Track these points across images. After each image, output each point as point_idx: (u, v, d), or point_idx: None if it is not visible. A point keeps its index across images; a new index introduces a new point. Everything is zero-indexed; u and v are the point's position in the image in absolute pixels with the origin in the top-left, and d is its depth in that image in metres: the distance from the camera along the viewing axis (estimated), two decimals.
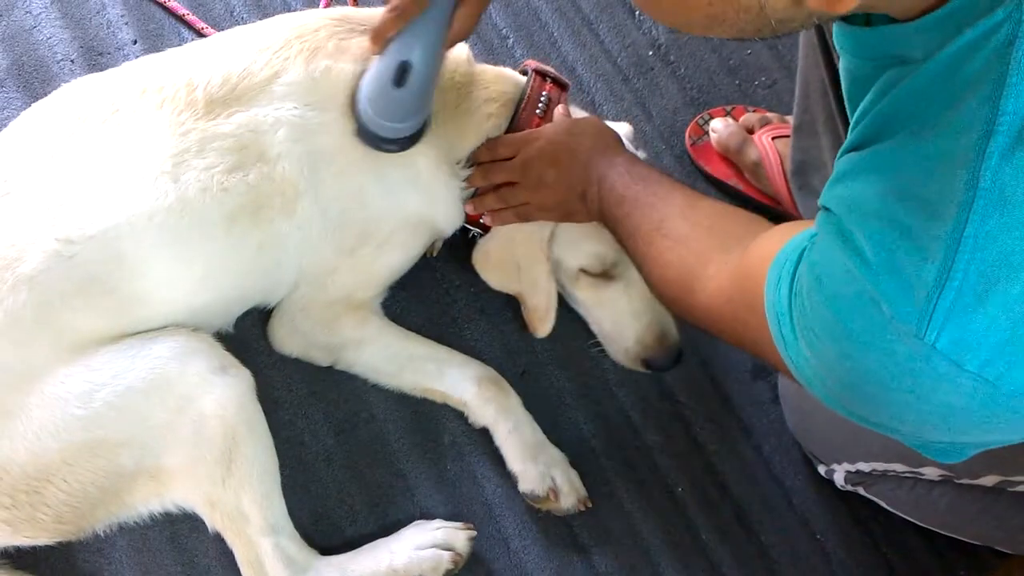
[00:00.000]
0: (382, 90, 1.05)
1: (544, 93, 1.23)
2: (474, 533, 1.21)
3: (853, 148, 0.71)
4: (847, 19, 0.71)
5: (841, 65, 0.78)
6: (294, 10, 1.52)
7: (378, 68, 1.07)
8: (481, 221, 1.27)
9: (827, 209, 0.70)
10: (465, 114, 1.21)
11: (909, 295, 0.61)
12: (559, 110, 1.24)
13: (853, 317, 0.64)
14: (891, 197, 0.63)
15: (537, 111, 1.23)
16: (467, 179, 1.23)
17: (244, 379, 1.11)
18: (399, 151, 1.10)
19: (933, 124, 0.62)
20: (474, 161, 1.23)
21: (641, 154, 1.27)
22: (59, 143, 1.07)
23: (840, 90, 1.14)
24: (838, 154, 0.73)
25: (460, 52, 1.23)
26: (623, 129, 1.31)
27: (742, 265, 0.83)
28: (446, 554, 1.16)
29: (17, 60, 1.45)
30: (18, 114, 1.15)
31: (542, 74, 1.26)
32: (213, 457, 1.07)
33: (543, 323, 1.28)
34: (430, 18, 1.04)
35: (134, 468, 1.05)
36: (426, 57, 1.05)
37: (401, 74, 1.04)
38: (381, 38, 1.07)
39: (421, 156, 1.18)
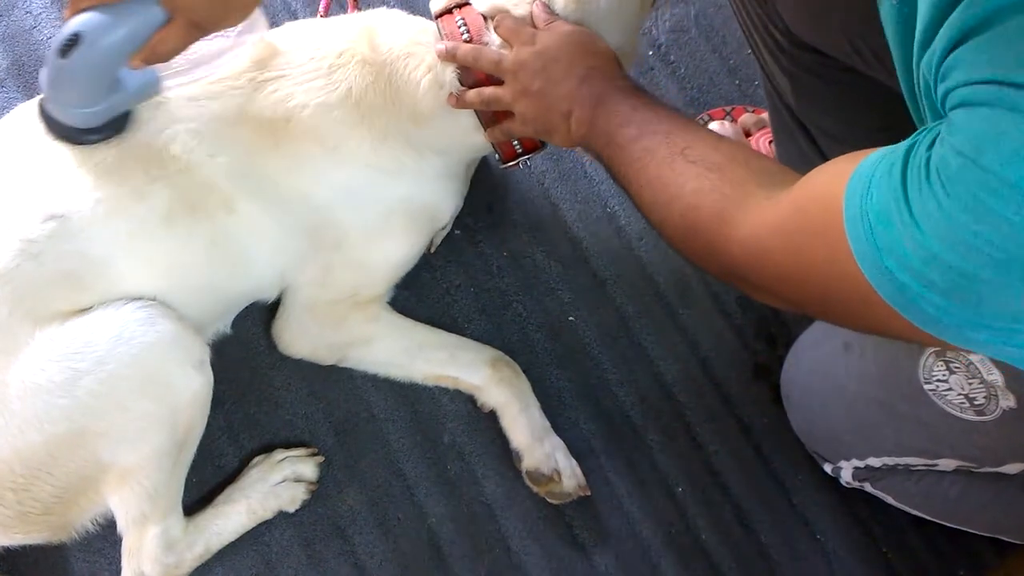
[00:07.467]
0: (49, 57, 1.00)
1: (458, 19, 1.12)
2: (321, 458, 1.26)
3: (954, 46, 0.60)
4: None
5: None
6: (294, 10, 1.52)
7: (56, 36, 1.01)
8: (517, 150, 1.17)
9: (958, 104, 0.59)
10: (403, 88, 1.13)
11: None
12: (501, 19, 1.09)
13: None
14: None
15: (463, 39, 1.11)
16: (456, 102, 1.11)
17: (210, 376, 1.12)
18: (72, 142, 1.06)
19: None
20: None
21: None
22: (19, 148, 1.10)
23: (798, 92, 1.13)
24: (941, 55, 0.61)
25: (360, 45, 1.14)
26: None
27: (799, 194, 0.75)
28: (300, 485, 1.23)
29: (17, 60, 1.46)
30: None
31: (445, 12, 1.14)
32: (174, 447, 1.08)
33: None
34: (126, 11, 0.97)
35: (110, 458, 1.05)
36: (103, 38, 0.98)
37: (69, 45, 0.98)
38: (76, 6, 0.99)
39: (385, 148, 1.14)
